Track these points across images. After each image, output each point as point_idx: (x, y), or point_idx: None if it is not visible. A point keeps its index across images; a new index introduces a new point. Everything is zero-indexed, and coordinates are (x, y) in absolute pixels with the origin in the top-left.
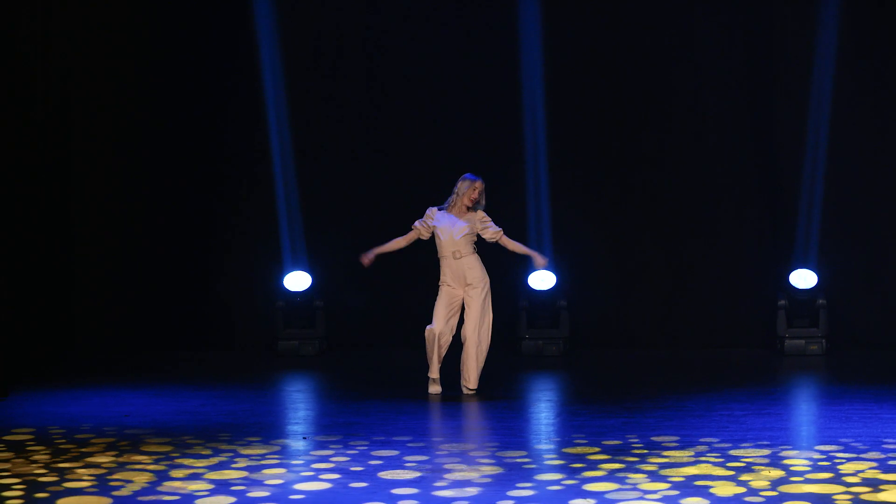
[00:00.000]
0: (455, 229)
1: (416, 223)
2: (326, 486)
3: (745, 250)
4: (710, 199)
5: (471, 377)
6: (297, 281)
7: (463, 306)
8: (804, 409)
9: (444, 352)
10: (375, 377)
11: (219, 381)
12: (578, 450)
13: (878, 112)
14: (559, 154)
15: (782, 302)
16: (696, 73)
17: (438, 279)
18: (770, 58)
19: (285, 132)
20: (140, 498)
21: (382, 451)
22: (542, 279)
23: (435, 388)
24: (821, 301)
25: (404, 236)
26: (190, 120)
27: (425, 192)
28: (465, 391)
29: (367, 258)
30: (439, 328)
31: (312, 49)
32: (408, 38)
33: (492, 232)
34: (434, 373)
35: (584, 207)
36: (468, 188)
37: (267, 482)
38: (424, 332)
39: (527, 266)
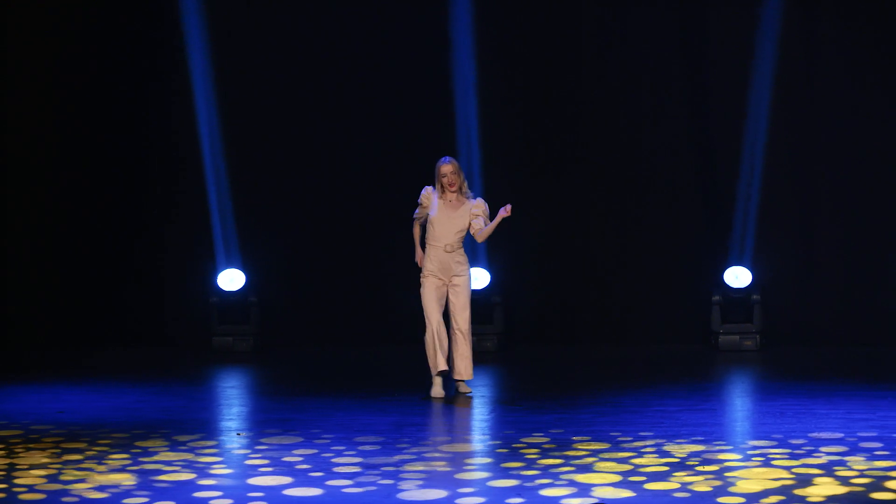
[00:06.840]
0: (452, 224)
1: (415, 215)
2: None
3: (681, 246)
4: (646, 196)
5: (468, 369)
6: (231, 279)
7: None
8: (738, 405)
9: (446, 344)
10: (310, 374)
11: (153, 378)
12: (512, 445)
13: (814, 112)
14: (493, 149)
15: (716, 298)
16: (632, 69)
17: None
18: (707, 54)
19: (216, 129)
20: (67, 496)
21: (307, 450)
22: (476, 278)
23: (439, 392)
24: (755, 297)
25: (415, 231)
26: (122, 116)
27: (358, 189)
28: (461, 388)
29: (420, 258)
30: (437, 323)
31: (244, 45)
32: (339, 34)
33: (477, 227)
34: (443, 364)
35: (519, 203)
36: (437, 175)
37: (210, 481)
38: (424, 337)
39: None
